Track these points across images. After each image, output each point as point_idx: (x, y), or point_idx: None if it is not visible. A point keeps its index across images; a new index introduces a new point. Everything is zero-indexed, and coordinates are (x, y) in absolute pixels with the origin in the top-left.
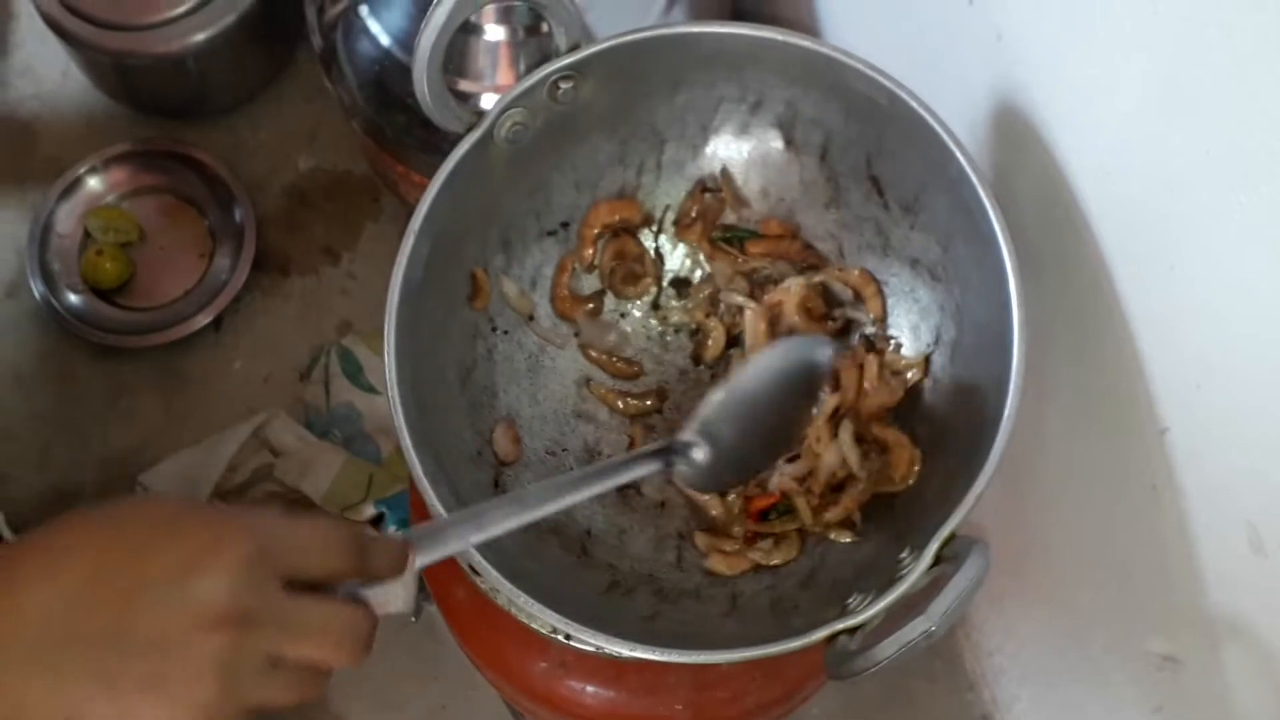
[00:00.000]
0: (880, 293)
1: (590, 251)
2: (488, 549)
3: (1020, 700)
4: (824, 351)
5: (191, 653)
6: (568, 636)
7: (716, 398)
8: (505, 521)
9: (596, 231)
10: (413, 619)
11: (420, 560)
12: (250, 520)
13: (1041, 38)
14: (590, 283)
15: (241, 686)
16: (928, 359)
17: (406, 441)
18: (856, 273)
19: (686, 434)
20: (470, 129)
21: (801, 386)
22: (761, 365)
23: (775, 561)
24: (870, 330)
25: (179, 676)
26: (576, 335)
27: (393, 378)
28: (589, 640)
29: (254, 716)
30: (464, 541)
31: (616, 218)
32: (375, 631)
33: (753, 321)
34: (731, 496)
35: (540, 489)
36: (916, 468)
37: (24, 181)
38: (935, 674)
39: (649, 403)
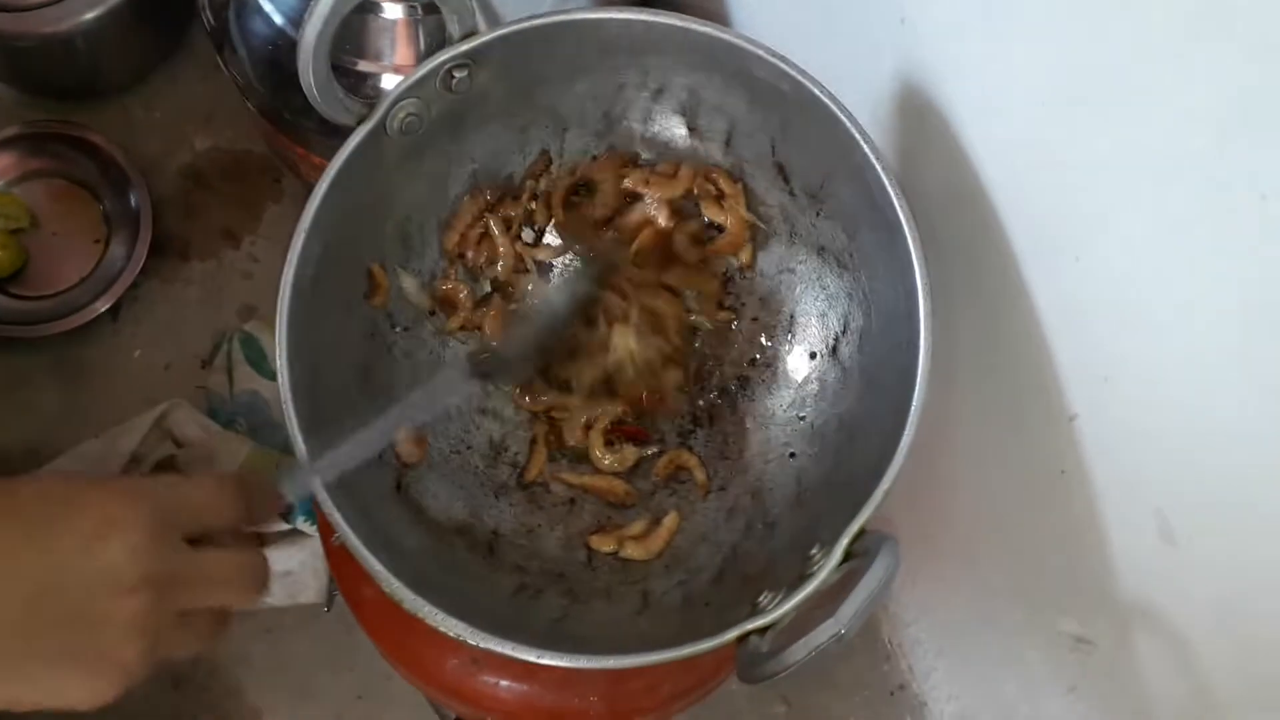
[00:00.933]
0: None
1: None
2: (391, 557)
3: (937, 670)
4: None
5: (111, 621)
6: None
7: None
8: (356, 455)
9: (458, 239)
10: (325, 609)
11: (289, 498)
12: (144, 487)
13: (945, 21)
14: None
15: (159, 642)
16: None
17: (301, 450)
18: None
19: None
20: (361, 121)
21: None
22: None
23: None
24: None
25: (101, 645)
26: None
27: (285, 382)
28: (495, 649)
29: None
30: (327, 476)
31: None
32: (269, 570)
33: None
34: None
35: (382, 421)
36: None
37: None
38: (853, 645)
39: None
